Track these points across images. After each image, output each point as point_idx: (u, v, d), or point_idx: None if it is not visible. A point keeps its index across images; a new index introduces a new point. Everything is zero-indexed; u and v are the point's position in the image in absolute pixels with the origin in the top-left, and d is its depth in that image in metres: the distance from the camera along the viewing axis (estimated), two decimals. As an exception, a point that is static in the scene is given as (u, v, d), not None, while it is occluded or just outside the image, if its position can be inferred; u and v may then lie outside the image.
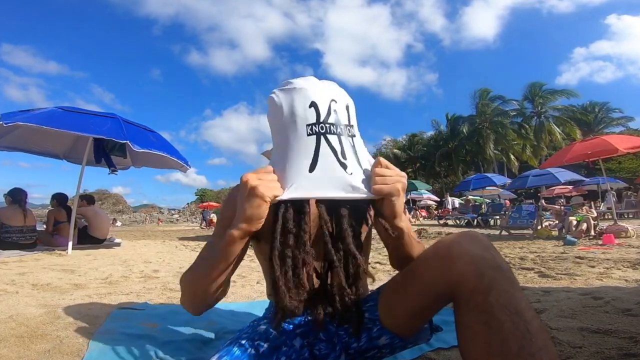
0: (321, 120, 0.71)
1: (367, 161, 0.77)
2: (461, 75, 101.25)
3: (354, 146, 0.74)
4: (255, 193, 0.67)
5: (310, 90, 0.73)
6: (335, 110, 0.73)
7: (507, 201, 11.74)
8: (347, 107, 0.76)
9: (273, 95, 0.76)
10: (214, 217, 19.28)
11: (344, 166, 0.71)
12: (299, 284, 0.71)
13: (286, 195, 0.69)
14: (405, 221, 0.76)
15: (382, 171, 0.71)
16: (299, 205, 0.72)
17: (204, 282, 0.78)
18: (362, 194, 0.70)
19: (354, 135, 0.75)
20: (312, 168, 0.70)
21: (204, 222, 18.87)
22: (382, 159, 0.73)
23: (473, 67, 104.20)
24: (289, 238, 0.70)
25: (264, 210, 0.69)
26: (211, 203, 28.02)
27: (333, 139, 0.72)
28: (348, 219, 0.72)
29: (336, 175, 0.70)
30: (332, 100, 0.73)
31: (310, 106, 0.71)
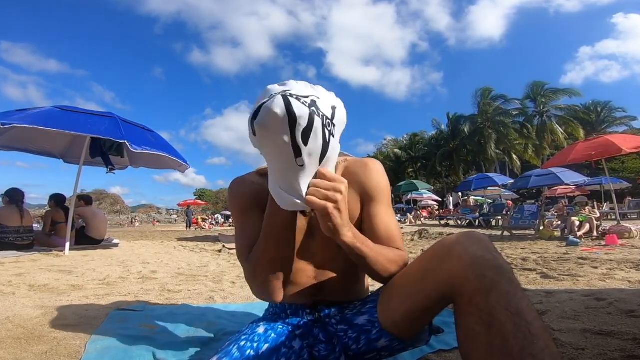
0: (290, 92, 0.62)
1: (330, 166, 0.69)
2: (466, 75, 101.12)
3: (327, 143, 0.64)
4: None
5: (280, 85, 0.67)
6: (314, 100, 0.63)
7: (510, 202, 11.68)
8: (333, 108, 0.66)
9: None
10: (199, 218, 18.66)
11: (296, 150, 0.62)
12: None
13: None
14: (346, 235, 0.70)
15: (317, 182, 0.64)
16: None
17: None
18: (297, 199, 0.65)
19: (332, 135, 0.65)
20: (252, 130, 0.65)
21: (188, 223, 17.23)
22: (322, 169, 0.65)
23: (478, 66, 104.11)
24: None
25: None
26: (197, 201, 25.73)
27: (299, 107, 0.60)
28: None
29: (284, 160, 0.63)
30: (314, 96, 0.65)
31: (280, 86, 0.66)
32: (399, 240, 0.85)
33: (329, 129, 0.64)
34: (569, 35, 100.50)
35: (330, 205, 0.65)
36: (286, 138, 0.60)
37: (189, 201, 22.06)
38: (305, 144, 0.61)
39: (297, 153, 0.62)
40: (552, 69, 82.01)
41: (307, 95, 0.63)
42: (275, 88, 0.65)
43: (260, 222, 0.80)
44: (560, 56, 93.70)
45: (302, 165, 0.63)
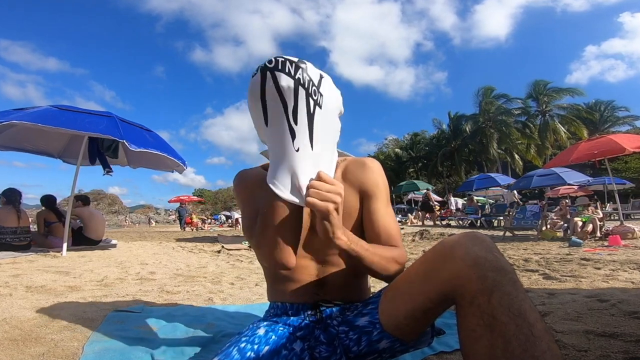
0: (273, 63, 0.67)
1: (327, 153, 0.74)
2: (471, 75, 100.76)
3: (312, 115, 0.69)
4: None
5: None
6: (300, 66, 0.67)
7: (518, 196, 11.67)
8: (321, 76, 0.71)
9: None
10: (194, 217, 16.72)
11: (292, 133, 0.68)
12: None
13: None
14: (341, 238, 0.73)
15: (318, 184, 0.68)
16: None
17: None
18: (295, 197, 0.68)
19: (319, 106, 0.70)
20: (265, 120, 0.70)
21: (182, 222, 15.17)
22: (322, 173, 0.70)
23: (483, 66, 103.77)
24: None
25: None
26: (192, 197, 22.60)
27: (284, 79, 0.66)
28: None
29: (285, 146, 0.68)
30: (302, 62, 0.69)
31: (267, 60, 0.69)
32: (397, 238, 0.87)
33: (315, 98, 0.69)
34: (575, 34, 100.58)
35: (331, 206, 0.67)
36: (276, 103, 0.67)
37: (182, 197, 19.14)
38: (295, 119, 0.67)
39: (292, 136, 0.68)
40: (558, 68, 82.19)
41: (292, 60, 0.68)
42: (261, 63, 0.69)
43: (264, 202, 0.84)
44: (566, 55, 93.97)
45: (298, 150, 0.68)
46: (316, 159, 0.70)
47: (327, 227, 0.70)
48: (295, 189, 0.68)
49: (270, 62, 0.67)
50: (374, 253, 0.78)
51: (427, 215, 12.39)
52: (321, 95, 0.70)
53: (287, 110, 0.67)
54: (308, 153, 0.69)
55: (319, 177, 0.69)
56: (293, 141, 0.67)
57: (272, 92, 0.67)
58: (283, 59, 0.66)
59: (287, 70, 0.66)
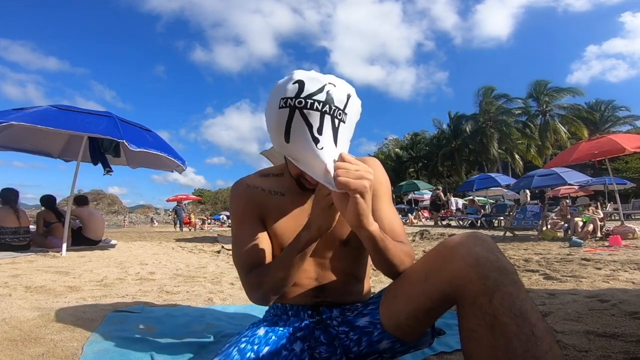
0: (302, 95, 0.68)
1: (346, 149, 0.73)
2: (472, 75, 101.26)
3: (337, 128, 0.70)
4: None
5: (301, 72, 0.71)
6: (329, 92, 0.70)
7: (529, 193, 11.66)
8: (348, 96, 0.72)
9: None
10: (193, 217, 16.58)
11: (315, 140, 0.68)
12: None
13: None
14: (373, 224, 0.70)
15: (344, 165, 0.65)
16: None
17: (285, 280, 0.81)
18: (326, 182, 0.66)
19: (343, 122, 0.71)
20: (287, 139, 0.70)
21: (178, 222, 14.62)
22: (345, 154, 0.67)
23: (485, 66, 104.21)
24: None
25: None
26: (190, 195, 21.91)
27: (312, 114, 0.68)
28: None
29: (309, 147, 0.68)
30: (330, 83, 0.70)
31: (294, 83, 0.69)
32: (403, 235, 0.86)
33: (339, 117, 0.70)
34: (577, 34, 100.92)
35: (366, 182, 0.64)
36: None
37: (179, 196, 18.51)
38: (320, 133, 0.68)
39: (316, 142, 0.68)
40: (559, 68, 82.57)
41: (322, 87, 0.69)
42: (288, 89, 0.69)
43: (257, 232, 0.85)
44: (567, 55, 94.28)
45: (322, 148, 0.68)
46: (337, 152, 0.69)
47: (361, 209, 0.65)
48: (321, 176, 0.66)
49: (300, 102, 0.67)
50: (395, 245, 0.76)
51: (438, 214, 12.33)
52: (346, 114, 0.71)
53: (312, 130, 0.68)
54: (331, 148, 0.68)
55: (342, 158, 0.66)
56: (316, 144, 0.67)
57: (299, 122, 0.68)
58: (312, 101, 0.67)
59: (315, 108, 0.67)
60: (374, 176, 0.88)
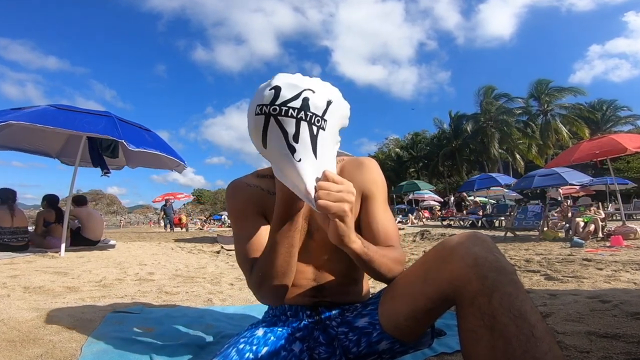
0: (277, 102, 0.66)
1: (329, 160, 0.70)
2: (475, 74, 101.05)
3: (315, 136, 0.67)
4: None
5: (279, 78, 0.69)
6: (305, 98, 0.67)
7: (561, 191, 11.67)
8: (329, 102, 0.68)
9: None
10: (183, 218, 15.46)
11: (291, 149, 0.65)
12: None
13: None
14: (355, 242, 0.69)
15: (326, 185, 0.63)
16: None
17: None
18: (307, 200, 0.64)
19: (322, 129, 0.68)
20: (264, 145, 0.68)
21: (168, 223, 13.38)
22: (328, 172, 0.65)
23: (487, 65, 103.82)
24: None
25: None
26: (176, 194, 18.23)
27: (287, 121, 0.65)
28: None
29: (286, 158, 0.66)
30: (308, 89, 0.67)
31: (270, 89, 0.67)
32: (396, 239, 0.85)
33: (318, 124, 0.66)
34: (580, 33, 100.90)
35: (346, 206, 0.63)
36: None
37: (167, 195, 16.11)
38: (297, 141, 0.64)
39: (292, 151, 0.64)
40: (561, 67, 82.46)
41: (298, 93, 0.65)
42: (265, 96, 0.66)
43: (259, 227, 0.83)
44: (570, 55, 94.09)
45: (300, 160, 0.65)
46: (319, 166, 0.67)
47: (341, 231, 0.66)
48: (302, 195, 0.65)
49: (274, 109, 0.65)
50: (382, 255, 0.76)
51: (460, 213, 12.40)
52: (325, 120, 0.68)
53: (287, 137, 0.65)
54: (310, 161, 0.66)
55: (325, 177, 0.64)
56: (293, 154, 0.65)
57: (275, 130, 0.66)
58: (286, 108, 0.65)
59: (289, 114, 0.65)
60: (370, 177, 0.89)
